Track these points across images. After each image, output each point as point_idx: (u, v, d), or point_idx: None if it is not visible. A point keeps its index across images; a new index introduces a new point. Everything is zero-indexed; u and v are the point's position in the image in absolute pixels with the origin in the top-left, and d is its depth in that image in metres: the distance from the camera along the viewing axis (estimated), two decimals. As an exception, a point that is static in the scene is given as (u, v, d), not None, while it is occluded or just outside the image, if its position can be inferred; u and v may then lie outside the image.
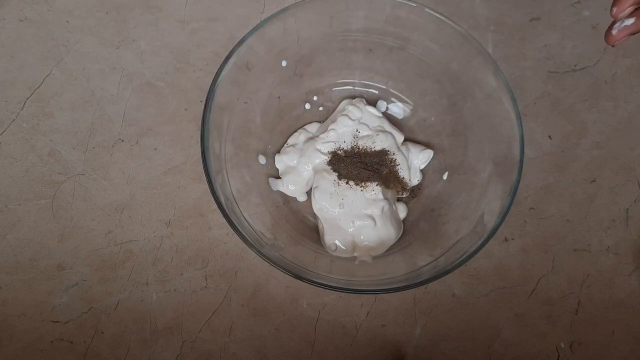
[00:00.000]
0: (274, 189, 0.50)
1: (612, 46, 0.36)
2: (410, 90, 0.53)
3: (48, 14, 0.57)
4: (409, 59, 0.50)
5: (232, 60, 0.44)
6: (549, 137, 0.54)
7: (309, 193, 0.50)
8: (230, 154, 0.46)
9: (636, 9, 0.35)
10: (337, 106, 0.54)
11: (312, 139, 0.51)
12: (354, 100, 0.52)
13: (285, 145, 0.52)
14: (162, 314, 0.48)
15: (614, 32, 0.36)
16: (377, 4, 0.47)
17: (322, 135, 0.50)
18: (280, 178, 0.51)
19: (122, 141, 0.53)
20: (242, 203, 0.45)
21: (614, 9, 0.35)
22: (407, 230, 0.49)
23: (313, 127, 0.53)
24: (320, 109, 0.54)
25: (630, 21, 0.35)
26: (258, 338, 0.47)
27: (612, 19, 0.36)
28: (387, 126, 0.51)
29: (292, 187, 0.50)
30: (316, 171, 0.49)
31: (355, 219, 0.47)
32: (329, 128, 0.50)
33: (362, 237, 0.47)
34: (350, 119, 0.50)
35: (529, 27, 0.58)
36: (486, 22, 0.58)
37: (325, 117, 0.54)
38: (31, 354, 0.47)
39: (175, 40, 0.57)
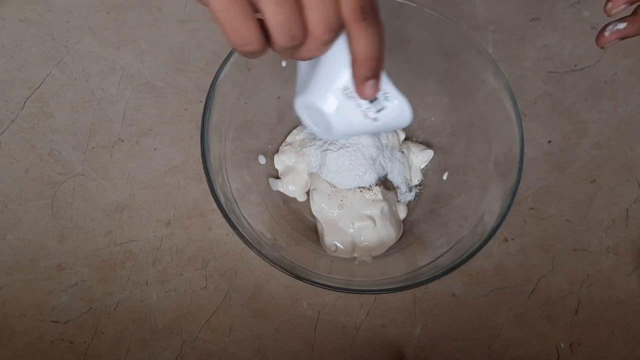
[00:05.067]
0: (274, 189, 0.50)
1: (602, 48, 0.37)
2: (410, 90, 0.53)
3: (48, 14, 0.57)
4: (409, 59, 0.50)
5: (232, 60, 0.44)
6: (549, 137, 0.54)
7: (308, 193, 0.50)
8: (230, 154, 0.46)
9: (629, 15, 0.35)
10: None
11: (310, 136, 0.51)
12: None
13: (284, 144, 0.52)
14: (162, 314, 0.48)
15: (606, 33, 0.36)
16: (377, 4, 0.47)
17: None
18: (280, 178, 0.51)
19: (122, 141, 0.53)
20: (242, 203, 0.45)
21: (609, 4, 0.34)
22: (407, 230, 0.49)
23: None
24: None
25: (622, 25, 0.35)
26: (258, 338, 0.47)
27: (606, 22, 0.36)
28: None
29: (291, 187, 0.50)
30: (312, 173, 0.49)
31: (355, 219, 0.47)
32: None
33: (362, 238, 0.47)
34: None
35: (529, 27, 0.58)
36: (486, 22, 0.58)
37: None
38: (31, 354, 0.47)
39: (175, 40, 0.57)
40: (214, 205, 0.41)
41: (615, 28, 0.35)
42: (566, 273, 0.50)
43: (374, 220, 0.46)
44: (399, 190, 0.50)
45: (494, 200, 0.43)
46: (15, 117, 0.53)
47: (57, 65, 0.55)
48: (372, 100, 0.31)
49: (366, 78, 0.29)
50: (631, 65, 0.57)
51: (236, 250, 0.50)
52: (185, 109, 0.54)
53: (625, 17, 0.35)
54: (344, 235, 0.47)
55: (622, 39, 0.36)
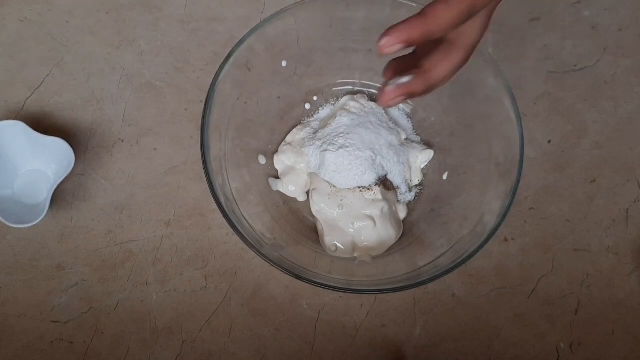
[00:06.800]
0: (274, 189, 0.50)
1: (383, 107, 0.32)
2: (410, 90, 0.53)
3: (48, 14, 0.57)
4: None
5: (232, 60, 0.44)
6: (549, 137, 0.54)
7: (308, 193, 0.50)
8: (230, 154, 0.46)
9: (413, 68, 0.30)
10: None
11: (310, 135, 0.51)
12: (355, 96, 0.52)
13: (283, 143, 0.52)
14: (162, 314, 0.48)
15: (388, 88, 0.29)
16: (377, 4, 0.47)
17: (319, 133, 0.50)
18: (280, 178, 0.51)
19: (122, 141, 0.53)
20: (242, 203, 0.45)
21: (383, 40, 0.27)
22: (407, 230, 0.49)
23: (312, 123, 0.53)
24: (321, 109, 0.54)
25: (405, 79, 0.29)
26: (258, 338, 0.47)
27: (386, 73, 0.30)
28: (391, 122, 0.51)
29: (291, 187, 0.50)
30: (312, 173, 0.49)
31: (355, 219, 0.47)
32: (328, 124, 0.50)
33: (362, 238, 0.47)
34: (351, 113, 0.50)
35: (529, 27, 0.58)
36: (486, 22, 0.58)
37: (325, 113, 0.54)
38: (31, 354, 0.47)
39: (175, 40, 0.57)
40: (214, 205, 0.41)
41: (400, 82, 0.29)
42: (566, 273, 0.50)
43: (374, 220, 0.46)
44: (399, 190, 0.50)
45: (494, 200, 0.43)
46: (15, 117, 0.53)
47: (57, 65, 0.55)
48: None
49: None
50: (631, 65, 0.57)
51: (236, 250, 0.50)
52: (185, 109, 0.54)
53: (409, 70, 0.30)
54: (344, 235, 0.47)
55: (410, 96, 0.30)
